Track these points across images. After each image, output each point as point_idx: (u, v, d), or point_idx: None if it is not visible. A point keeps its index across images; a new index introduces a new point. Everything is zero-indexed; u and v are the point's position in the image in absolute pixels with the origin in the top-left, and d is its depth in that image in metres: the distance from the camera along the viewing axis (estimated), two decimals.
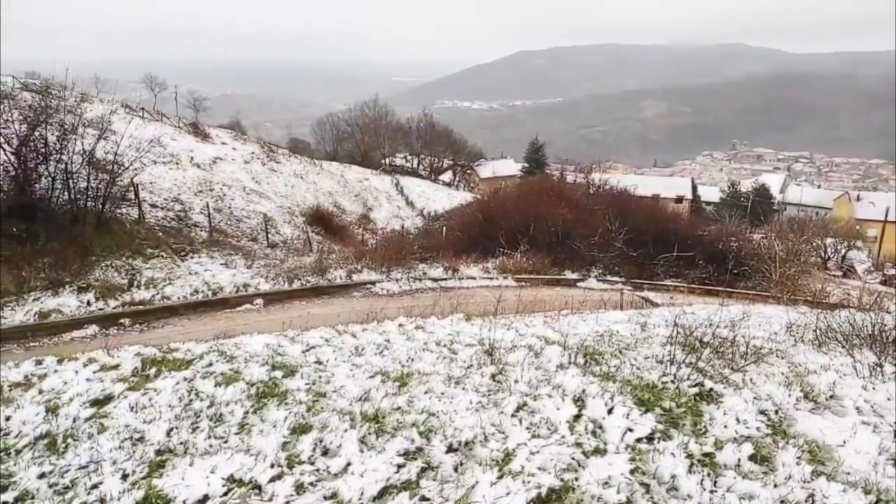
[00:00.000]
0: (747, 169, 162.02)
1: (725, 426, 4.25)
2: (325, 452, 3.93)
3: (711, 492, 3.41)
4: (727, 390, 4.88)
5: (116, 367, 5.73)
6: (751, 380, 5.16)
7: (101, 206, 15.01)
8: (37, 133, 14.02)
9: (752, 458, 3.80)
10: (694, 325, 6.17)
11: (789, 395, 4.79)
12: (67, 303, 11.15)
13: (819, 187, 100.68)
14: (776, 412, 4.51)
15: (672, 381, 4.95)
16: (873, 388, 4.89)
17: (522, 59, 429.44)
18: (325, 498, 3.38)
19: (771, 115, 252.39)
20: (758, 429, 4.23)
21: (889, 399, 4.65)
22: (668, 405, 4.50)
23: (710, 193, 73.78)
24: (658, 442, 3.95)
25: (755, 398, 4.74)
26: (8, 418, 4.53)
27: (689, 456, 3.77)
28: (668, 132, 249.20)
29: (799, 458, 3.78)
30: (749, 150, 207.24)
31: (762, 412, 4.49)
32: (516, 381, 5.17)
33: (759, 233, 33.27)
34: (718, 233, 26.67)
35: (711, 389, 4.83)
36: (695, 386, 4.84)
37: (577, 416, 4.35)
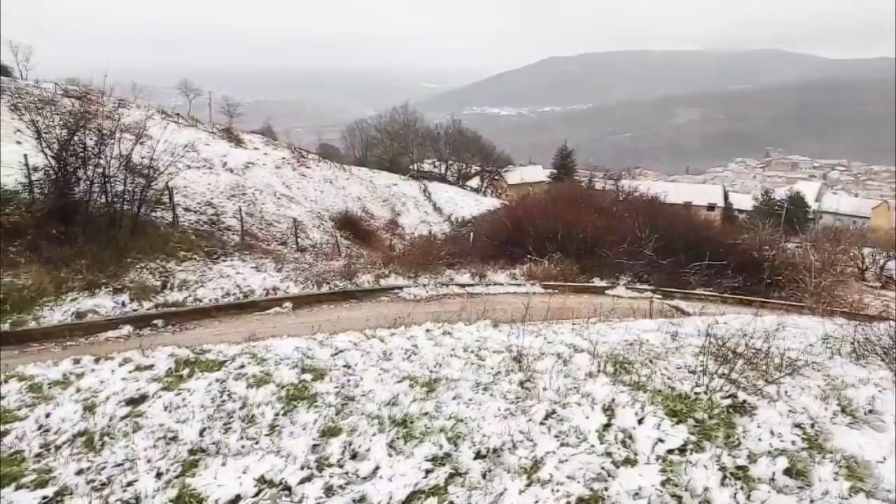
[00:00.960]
0: (781, 177, 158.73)
1: (759, 439, 4.17)
2: (354, 456, 3.96)
3: None
4: (761, 402, 4.78)
5: (151, 367, 5.85)
6: (785, 392, 5.05)
7: (136, 210, 15.36)
8: (76, 138, 14.38)
9: (787, 472, 3.72)
10: (727, 335, 6.06)
11: (826, 409, 4.68)
12: (103, 303, 11.42)
13: (856, 196, 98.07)
14: (812, 426, 4.41)
15: (704, 392, 4.87)
16: None
17: (552, 66, 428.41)
18: (355, 501, 3.41)
19: (807, 121, 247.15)
20: (793, 442, 4.13)
21: None
22: (700, 416, 4.42)
23: (742, 201, 72.54)
24: (690, 453, 3.88)
25: (790, 411, 4.64)
26: (48, 415, 4.65)
27: (722, 468, 3.70)
28: (701, 139, 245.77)
29: (836, 473, 3.69)
30: (783, 158, 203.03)
31: (797, 425, 4.39)
32: (545, 389, 5.14)
33: (794, 242, 32.56)
34: (751, 241, 26.18)
35: (745, 401, 4.73)
36: (728, 397, 4.75)
37: (607, 426, 4.30)
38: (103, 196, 14.85)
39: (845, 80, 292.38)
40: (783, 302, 16.40)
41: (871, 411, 4.66)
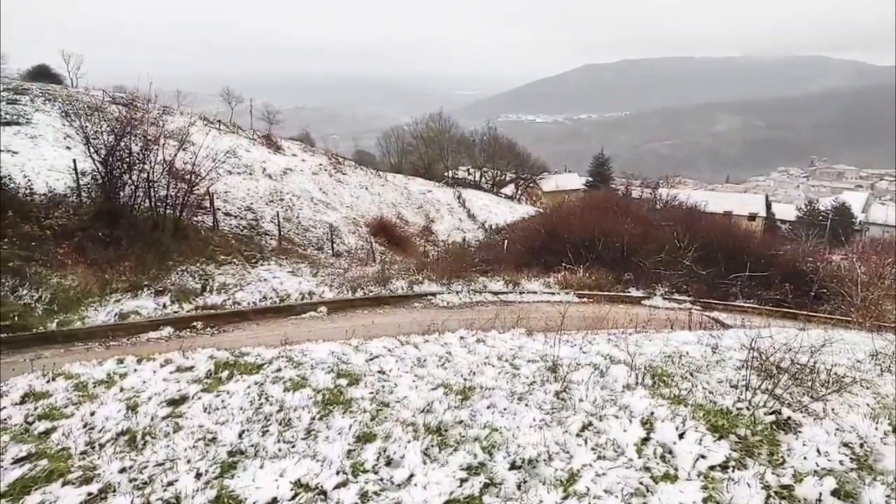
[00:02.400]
0: (826, 186, 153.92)
1: (805, 458, 4.03)
2: (389, 462, 3.96)
3: None
4: (806, 420, 4.63)
5: (191, 368, 5.97)
6: (832, 410, 4.87)
7: (178, 214, 15.76)
8: (122, 144, 14.84)
9: (834, 493, 3.58)
10: (770, 349, 5.89)
11: (876, 428, 4.50)
12: (145, 305, 11.73)
13: None
14: (861, 445, 4.24)
15: (747, 408, 4.73)
16: None
17: (589, 73, 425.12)
18: None
19: (853, 130, 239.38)
20: (841, 462, 3.98)
21: None
22: (743, 432, 4.30)
23: (785, 211, 70.62)
24: (732, 471, 3.78)
25: (837, 429, 4.47)
26: (93, 413, 4.78)
27: (766, 487, 3.59)
28: (742, 147, 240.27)
29: (888, 496, 3.54)
30: (828, 167, 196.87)
31: (845, 445, 4.23)
32: (581, 400, 5.07)
33: (839, 254, 31.52)
34: (794, 253, 25.43)
35: (789, 418, 4.58)
36: (772, 414, 4.61)
37: (646, 440, 4.22)
38: (147, 200, 15.27)
39: (892, 87, 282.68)
40: (828, 316, 15.87)
41: None
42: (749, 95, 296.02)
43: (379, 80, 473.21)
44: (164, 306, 11.81)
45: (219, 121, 38.81)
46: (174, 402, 5.04)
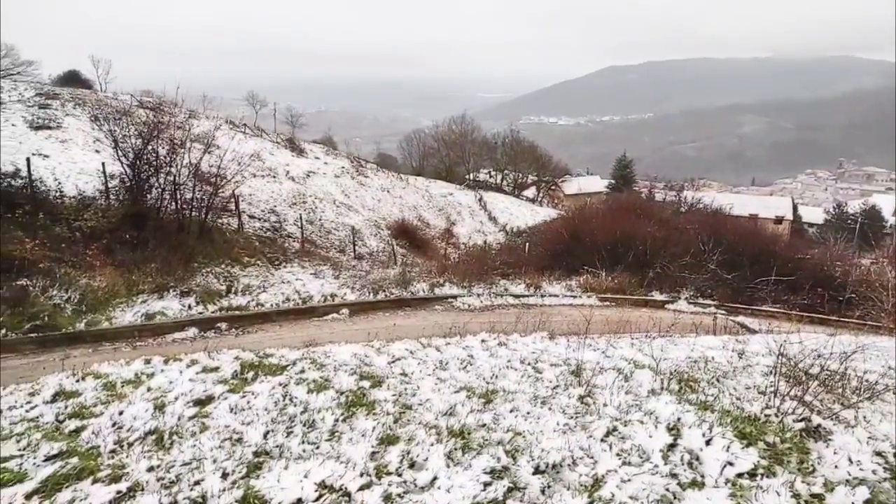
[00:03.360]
0: (855, 189, 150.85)
1: (836, 466, 3.94)
2: (412, 465, 3.96)
3: None
4: (837, 427, 4.53)
5: (216, 369, 6.04)
6: (864, 417, 4.76)
7: (204, 216, 15.99)
8: (150, 147, 15.10)
9: (867, 503, 3.50)
10: (799, 355, 5.78)
11: None
12: (171, 306, 11.90)
13: None
14: (895, 455, 4.14)
15: (776, 415, 4.64)
16: None
17: (612, 74, 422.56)
18: None
19: (883, 131, 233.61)
20: (874, 472, 3.89)
21: None
22: (771, 440, 4.22)
23: (812, 214, 69.40)
24: (761, 478, 3.71)
25: (870, 438, 4.37)
26: (121, 413, 4.86)
27: (796, 496, 3.52)
28: (768, 149, 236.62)
29: None
30: (858, 170, 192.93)
31: (878, 454, 4.13)
32: (605, 405, 5.03)
33: (869, 257, 30.84)
34: (822, 257, 24.95)
35: (819, 425, 4.49)
36: (801, 421, 4.52)
37: (672, 446, 4.16)
38: (173, 203, 15.52)
39: None
40: (859, 321, 15.52)
41: None
42: (776, 97, 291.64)
43: (401, 84, 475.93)
44: (189, 307, 11.97)
45: (244, 124, 39.34)
46: (200, 403, 5.10)
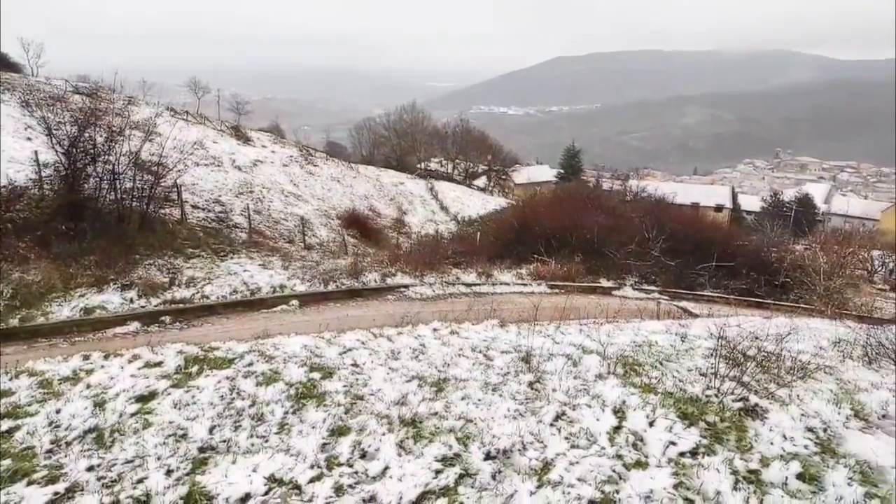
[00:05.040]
0: (790, 178, 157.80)
1: (771, 443, 4.14)
2: (364, 455, 3.94)
3: None
4: (773, 406, 4.75)
5: (160, 364, 5.86)
6: (797, 396, 5.01)
7: (145, 206, 15.39)
8: (86, 134, 14.41)
9: (799, 476, 3.69)
10: (737, 337, 6.02)
11: (838, 413, 4.64)
12: (111, 300, 11.46)
13: (866, 198, 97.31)
14: (825, 430, 4.37)
15: (716, 395, 4.83)
16: None
17: (561, 65, 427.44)
18: (364, 501, 3.40)
19: (817, 123, 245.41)
20: (805, 447, 4.10)
21: None
22: (711, 419, 4.39)
23: (750, 203, 72.14)
24: (702, 457, 3.86)
25: (802, 415, 4.61)
26: (58, 411, 4.66)
27: (735, 472, 3.68)
28: (710, 140, 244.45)
29: (850, 478, 3.65)
30: (792, 159, 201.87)
31: (810, 430, 4.36)
32: (554, 390, 5.12)
33: (802, 244, 32.33)
34: (759, 243, 26.01)
35: (756, 405, 4.70)
36: (739, 400, 4.72)
37: (618, 428, 4.28)
38: (112, 193, 14.89)
39: (856, 82, 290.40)
40: (793, 305, 16.29)
41: (884, 416, 4.62)
42: (717, 89, 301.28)
43: (352, 73, 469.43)
44: (131, 301, 11.56)
45: (186, 111, 38.04)
46: (143, 399, 4.94)
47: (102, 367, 5.88)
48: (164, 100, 38.05)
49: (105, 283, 11.93)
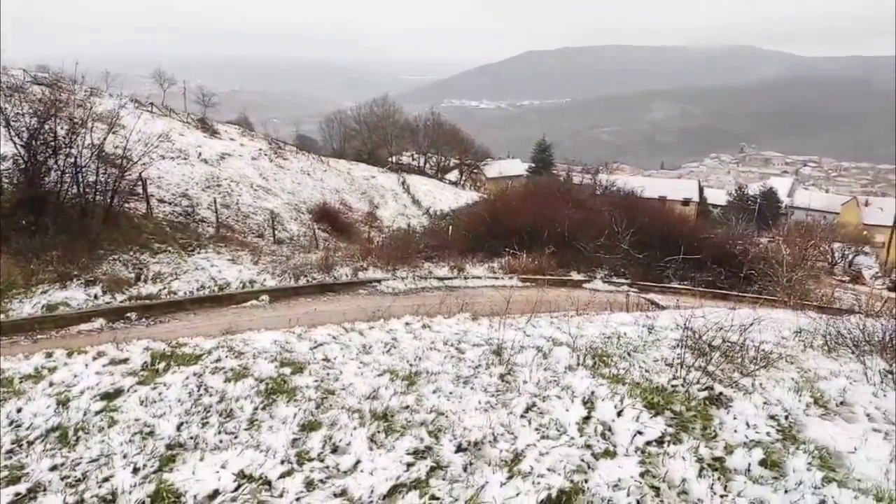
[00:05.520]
0: (755, 172, 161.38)
1: (735, 431, 4.24)
2: (335, 450, 3.94)
3: (722, 496, 3.40)
4: (737, 395, 4.87)
5: (126, 360, 5.75)
6: (760, 385, 5.14)
7: (109, 200, 15.03)
8: (46, 126, 14.02)
9: (762, 463, 3.79)
10: (703, 328, 6.15)
11: (799, 401, 4.78)
12: (75, 296, 11.19)
13: (827, 192, 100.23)
14: (786, 417, 4.50)
15: (682, 385, 4.94)
16: (884, 395, 4.88)
17: (532, 59, 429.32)
18: (335, 495, 3.39)
19: (781, 118, 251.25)
20: (768, 434, 4.22)
21: None
22: (678, 408, 4.49)
23: (717, 196, 73.69)
24: (668, 445, 3.94)
25: (765, 403, 4.73)
26: (19, 410, 4.55)
27: (700, 460, 3.76)
28: (678, 134, 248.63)
29: (810, 464, 3.77)
30: (757, 154, 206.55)
31: (772, 417, 4.48)
32: (525, 382, 5.17)
33: (767, 236, 33.15)
34: (725, 236, 26.56)
35: (721, 393, 4.82)
36: (704, 390, 4.83)
37: (587, 418, 4.35)
38: (75, 186, 14.50)
39: (818, 78, 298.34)
40: (757, 296, 16.68)
41: (842, 403, 4.77)
42: (685, 84, 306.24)
43: (323, 65, 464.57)
44: (96, 297, 11.30)
45: (151, 103, 37.21)
46: (108, 396, 4.84)
47: (66, 364, 5.75)
48: (129, 91, 37.10)
49: (68, 278, 11.64)
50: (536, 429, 4.21)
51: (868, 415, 4.53)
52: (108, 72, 41.22)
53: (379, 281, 14.49)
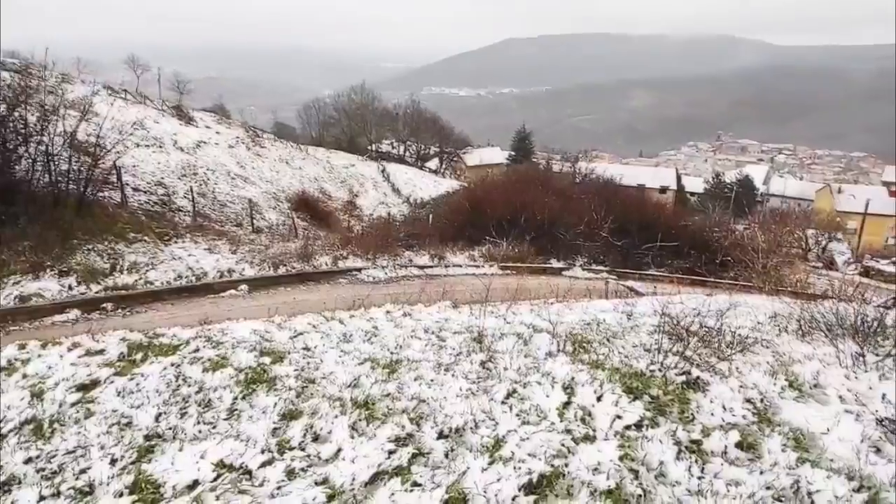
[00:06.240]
0: (731, 160, 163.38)
1: (712, 414, 4.31)
2: (316, 438, 3.93)
3: (699, 478, 3.46)
4: (714, 379, 4.94)
5: (102, 351, 5.67)
6: (737, 368, 5.23)
7: (82, 189, 14.73)
8: (16, 113, 13.69)
9: (738, 445, 3.86)
10: (680, 314, 6.23)
11: (774, 384, 4.87)
12: (48, 287, 10.98)
13: (801, 179, 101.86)
14: (761, 400, 4.58)
15: (660, 370, 5.00)
16: (856, 378, 4.98)
17: (511, 47, 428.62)
18: (317, 483, 3.38)
19: (758, 107, 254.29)
20: (744, 417, 4.29)
21: (871, 388, 4.73)
22: (655, 393, 4.55)
23: (694, 184, 74.45)
24: (646, 429, 3.99)
25: (741, 386, 4.81)
26: None
27: (677, 443, 3.82)
28: (656, 123, 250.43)
29: (784, 445, 3.85)
30: (733, 142, 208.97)
31: (748, 400, 4.56)
32: (505, 369, 5.20)
33: (743, 223, 33.61)
34: (702, 223, 26.91)
35: (698, 378, 4.89)
36: (682, 374, 4.90)
37: (567, 404, 4.38)
38: (47, 175, 14.20)
39: (794, 67, 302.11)
40: (733, 282, 16.94)
41: (815, 385, 4.87)
42: (663, 73, 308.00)
43: (302, 53, 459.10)
44: (70, 288, 11.10)
45: (124, 90, 36.40)
46: (84, 388, 4.77)
47: (40, 356, 5.64)
48: (102, 78, 36.27)
49: (41, 269, 11.41)
50: (517, 415, 4.24)
51: (840, 396, 4.63)
52: (80, 58, 40.31)
53: (359, 270, 14.44)
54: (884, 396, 4.55)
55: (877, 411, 4.27)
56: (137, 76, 56.11)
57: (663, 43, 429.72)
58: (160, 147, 24.25)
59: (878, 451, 3.82)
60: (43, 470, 3.56)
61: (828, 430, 4.07)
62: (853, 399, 4.57)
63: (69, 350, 5.75)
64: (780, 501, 3.24)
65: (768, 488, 3.33)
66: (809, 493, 3.31)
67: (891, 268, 26.02)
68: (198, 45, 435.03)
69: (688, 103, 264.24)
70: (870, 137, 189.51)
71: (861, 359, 5.39)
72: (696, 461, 3.63)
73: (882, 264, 27.80)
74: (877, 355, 5.49)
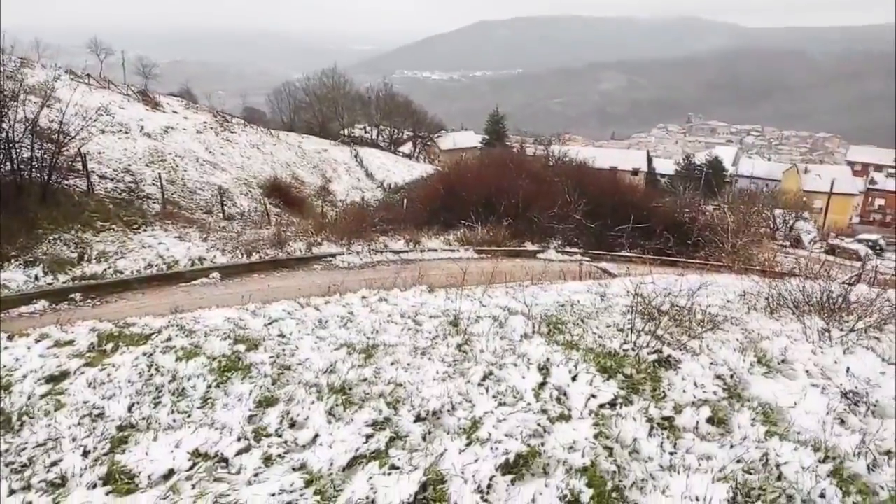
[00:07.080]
0: (701, 141, 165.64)
1: (684, 391, 4.40)
2: (293, 425, 3.91)
3: (671, 454, 3.53)
4: (685, 356, 5.04)
5: (71, 342, 5.56)
6: (707, 346, 5.34)
7: (46, 177, 14.34)
8: None
9: (709, 420, 3.95)
10: (652, 294, 6.33)
11: (744, 361, 4.98)
12: (13, 277, 10.73)
13: (770, 160, 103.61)
14: (731, 377, 4.69)
15: (633, 349, 5.08)
16: (822, 353, 5.13)
17: (484, 29, 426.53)
18: (294, 469, 3.38)
19: (726, 89, 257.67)
20: (714, 393, 4.39)
21: (836, 362, 4.88)
22: (629, 372, 4.63)
23: (665, 166, 75.19)
24: (620, 407, 4.06)
25: (712, 363, 4.92)
26: None
27: (650, 420, 3.89)
28: (627, 105, 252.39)
29: (753, 419, 3.95)
30: (703, 123, 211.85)
31: (718, 377, 4.66)
32: (482, 351, 5.23)
33: (713, 204, 34.12)
34: (673, 204, 27.26)
35: (670, 356, 4.98)
36: (654, 353, 4.98)
37: (543, 384, 4.43)
38: (8, 163, 13.78)
39: (760, 49, 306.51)
40: (703, 262, 17.21)
41: (783, 361, 5.00)
42: (633, 55, 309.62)
43: (269, 36, 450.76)
44: (37, 278, 10.86)
45: (88, 75, 35.41)
46: (54, 379, 4.68)
47: (6, 348, 5.51)
48: (63, 62, 35.18)
49: (6, 260, 11.16)
50: (494, 396, 4.28)
51: (807, 371, 4.76)
52: (39, 41, 39.02)
53: (334, 255, 14.36)
54: (848, 370, 4.70)
55: (841, 385, 4.41)
56: (101, 60, 54.48)
57: (633, 25, 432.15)
58: (126, 133, 23.69)
59: (842, 422, 3.95)
60: (12, 463, 3.49)
61: (795, 403, 4.19)
62: (819, 373, 4.71)
63: (37, 341, 5.63)
64: (750, 474, 3.32)
65: (738, 461, 3.42)
66: (778, 465, 3.40)
67: (855, 245, 26.75)
68: (162, 30, 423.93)
69: (658, 85, 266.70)
70: (834, 118, 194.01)
71: (827, 334, 5.55)
72: (669, 437, 3.71)
73: (846, 242, 28.57)
74: (841, 330, 5.66)
